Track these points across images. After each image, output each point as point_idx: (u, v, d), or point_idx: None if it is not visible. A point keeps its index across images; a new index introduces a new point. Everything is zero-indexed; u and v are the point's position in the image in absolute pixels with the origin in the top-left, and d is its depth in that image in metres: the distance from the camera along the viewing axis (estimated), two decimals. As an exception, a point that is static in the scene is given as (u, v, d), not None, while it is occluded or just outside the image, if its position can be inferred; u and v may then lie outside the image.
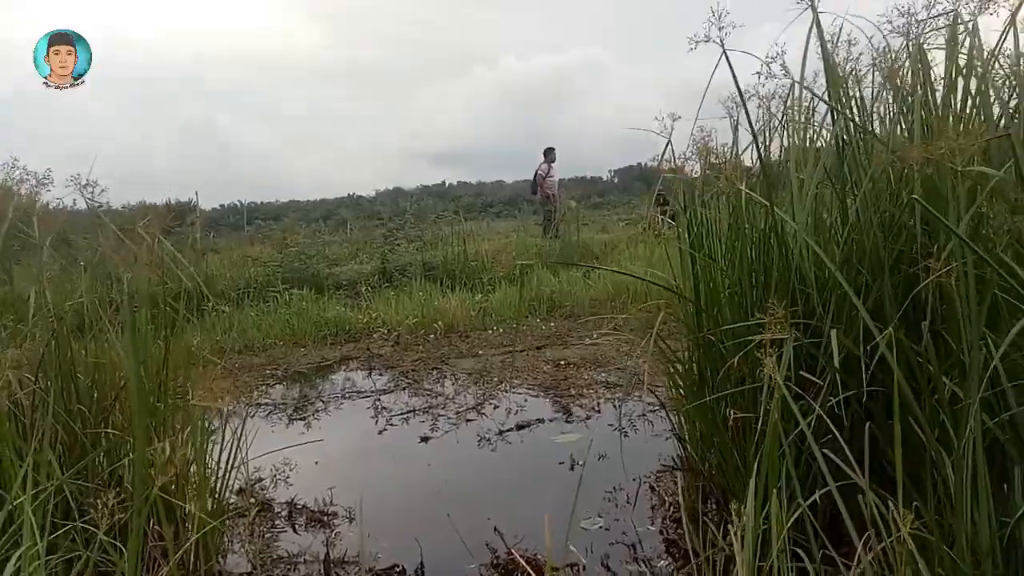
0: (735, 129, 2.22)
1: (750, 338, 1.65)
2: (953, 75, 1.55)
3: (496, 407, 3.94)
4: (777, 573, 1.31)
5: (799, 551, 1.37)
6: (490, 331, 6.18)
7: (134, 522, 1.44)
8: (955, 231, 1.18)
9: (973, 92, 1.52)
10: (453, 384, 4.55)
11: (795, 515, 1.37)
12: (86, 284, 2.25)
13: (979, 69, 1.54)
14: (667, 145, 2.20)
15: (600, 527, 2.39)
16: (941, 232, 1.48)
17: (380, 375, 5.00)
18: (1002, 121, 1.62)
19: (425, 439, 3.49)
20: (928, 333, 1.40)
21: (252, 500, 2.71)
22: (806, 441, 1.59)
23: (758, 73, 1.73)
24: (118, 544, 1.58)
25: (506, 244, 9.29)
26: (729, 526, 1.44)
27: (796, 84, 1.72)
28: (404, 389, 4.50)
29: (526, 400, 4.04)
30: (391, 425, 3.79)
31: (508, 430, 3.51)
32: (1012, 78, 1.56)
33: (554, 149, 12.23)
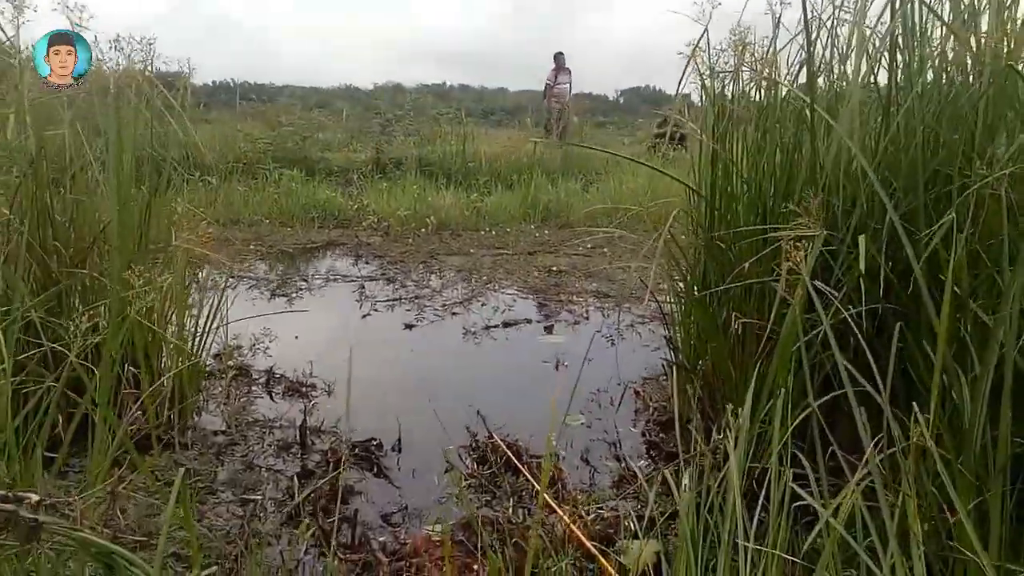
0: (776, 25, 2.07)
1: (771, 236, 1.57)
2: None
3: (484, 304, 3.88)
4: (773, 474, 1.27)
5: (800, 455, 1.33)
6: (482, 232, 6.07)
7: (109, 344, 1.36)
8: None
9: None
10: (441, 279, 4.48)
11: (802, 415, 1.32)
12: (69, 117, 2.10)
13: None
14: (704, 33, 2.05)
15: (582, 423, 2.38)
16: (996, 141, 1.38)
17: (367, 263, 4.91)
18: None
19: (410, 326, 3.44)
20: (964, 247, 1.32)
21: (230, 364, 2.66)
22: (812, 351, 1.55)
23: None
24: (90, 366, 1.52)
25: (507, 148, 9.03)
26: (727, 430, 1.39)
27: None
28: (391, 279, 4.43)
29: (515, 300, 3.98)
30: (375, 310, 3.73)
31: (494, 326, 3.46)
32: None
33: (563, 54, 11.77)
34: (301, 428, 2.19)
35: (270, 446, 2.16)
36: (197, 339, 2.32)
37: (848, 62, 1.73)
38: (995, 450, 1.15)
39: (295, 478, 1.94)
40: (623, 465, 2.10)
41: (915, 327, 1.51)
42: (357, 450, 2.11)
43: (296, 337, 3.16)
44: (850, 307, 1.52)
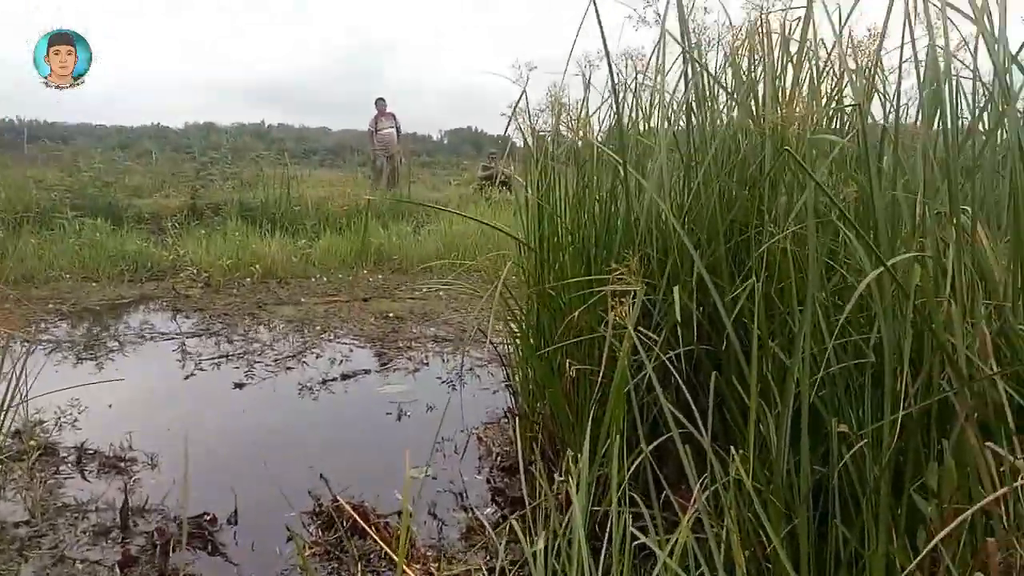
0: (587, 87, 2.24)
1: (596, 290, 1.68)
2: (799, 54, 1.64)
3: (319, 356, 3.76)
4: (614, 517, 1.34)
5: (635, 496, 1.41)
6: (313, 279, 5.89)
7: None
8: (816, 180, 1.25)
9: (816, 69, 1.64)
10: (271, 331, 4.28)
11: (637, 460, 1.41)
12: None
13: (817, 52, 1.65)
14: (522, 95, 2.17)
15: (428, 475, 2.36)
16: (779, 197, 1.58)
17: (187, 318, 4.59)
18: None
19: (240, 385, 3.25)
20: (760, 294, 1.49)
21: (32, 443, 2.37)
22: (639, 393, 1.66)
23: (629, 17, 1.73)
24: None
25: (332, 192, 8.87)
26: (568, 475, 1.46)
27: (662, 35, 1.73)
28: (216, 334, 4.16)
29: (352, 350, 3.89)
30: (200, 370, 3.48)
31: (332, 379, 3.36)
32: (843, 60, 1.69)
33: (384, 100, 11.79)
34: (122, 509, 1.99)
35: (85, 533, 1.94)
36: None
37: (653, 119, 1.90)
38: (799, 478, 1.29)
39: (116, 567, 1.76)
40: (471, 515, 2.11)
41: (725, 366, 1.68)
42: (188, 527, 1.95)
43: (110, 406, 2.87)
44: (669, 349, 1.66)
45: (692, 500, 1.20)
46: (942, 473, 1.06)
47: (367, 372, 3.50)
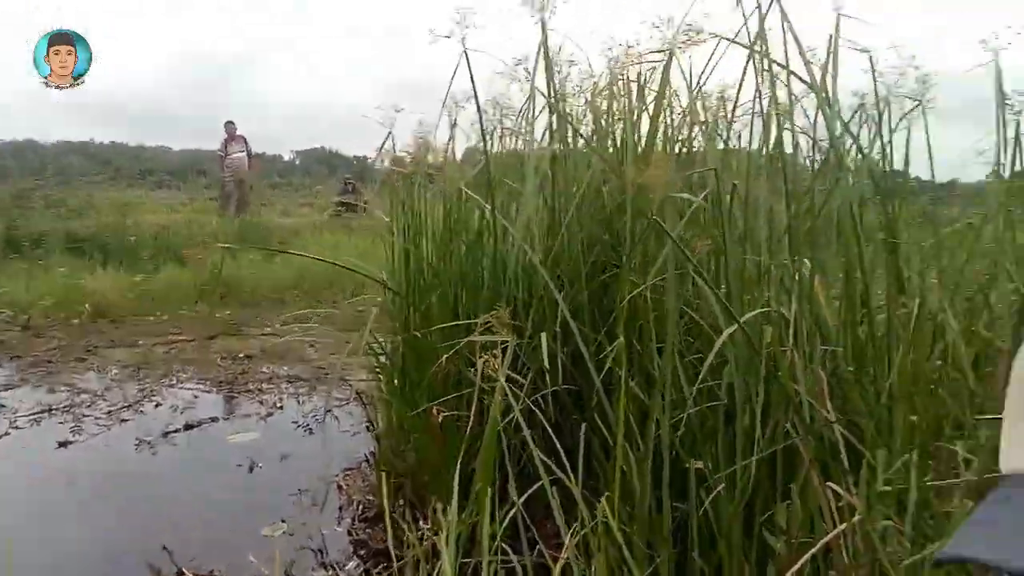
0: (453, 126, 2.25)
1: (467, 339, 1.67)
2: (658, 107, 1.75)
3: (159, 405, 3.46)
4: (485, 569, 1.32)
5: (505, 546, 1.40)
6: (152, 317, 5.45)
7: None
8: (675, 240, 1.31)
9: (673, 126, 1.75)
10: (103, 379, 3.89)
11: (511, 513, 1.40)
12: None
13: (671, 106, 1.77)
14: (388, 135, 2.14)
15: (284, 532, 2.22)
16: (636, 250, 1.65)
17: (0, 368, 4.08)
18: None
19: (64, 444, 2.91)
20: (622, 340, 1.55)
21: None
22: (508, 434, 1.67)
23: (500, 73, 1.76)
24: None
25: (174, 219, 8.32)
26: (437, 527, 1.42)
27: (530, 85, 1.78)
28: (36, 385, 3.72)
29: (196, 396, 3.62)
30: (16, 428, 3.10)
31: (174, 430, 3.09)
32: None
33: (233, 123, 11.28)
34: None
35: None
36: None
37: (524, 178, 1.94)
38: (660, 517, 1.34)
39: None
40: (331, 573, 2.00)
41: (588, 407, 1.72)
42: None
43: None
44: (535, 393, 1.68)
45: (563, 548, 1.21)
46: (790, 513, 1.14)
47: (214, 420, 3.26)
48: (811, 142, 1.49)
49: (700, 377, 1.27)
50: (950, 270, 1.56)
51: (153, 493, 2.56)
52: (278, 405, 3.52)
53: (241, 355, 4.43)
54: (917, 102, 1.61)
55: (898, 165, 1.63)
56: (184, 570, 1.87)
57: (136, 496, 2.52)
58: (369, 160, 2.34)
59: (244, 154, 11.20)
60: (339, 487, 2.56)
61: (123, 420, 3.22)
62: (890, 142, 1.61)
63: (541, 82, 1.76)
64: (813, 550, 1.05)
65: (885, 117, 1.59)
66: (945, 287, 1.48)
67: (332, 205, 12.43)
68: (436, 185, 2.21)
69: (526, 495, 1.43)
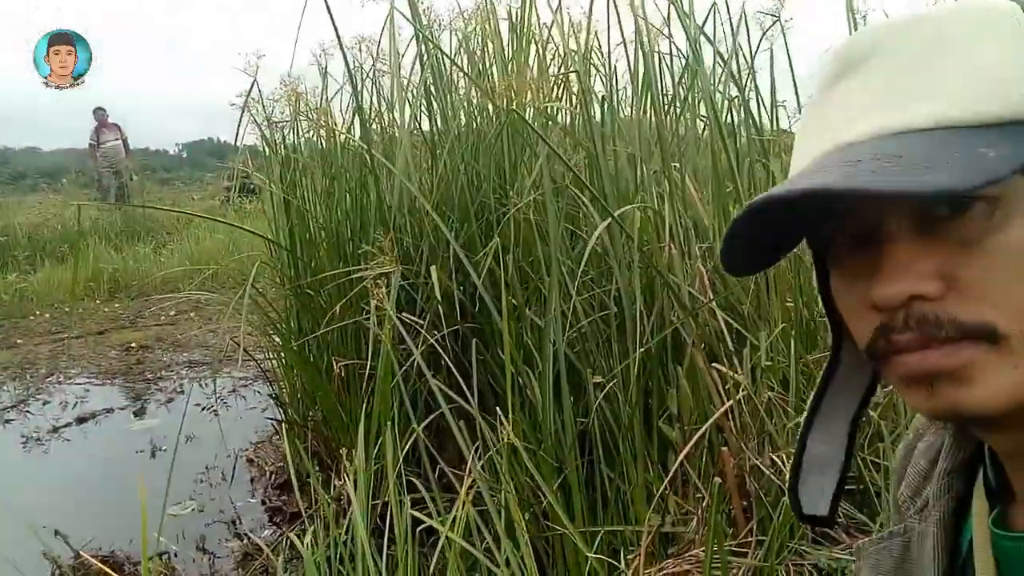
0: (324, 75, 2.17)
1: (355, 277, 1.62)
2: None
3: (47, 403, 3.24)
4: (394, 507, 1.30)
5: (415, 481, 1.39)
6: (32, 317, 5.07)
7: None
8: (549, 144, 1.30)
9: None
10: (-21, 383, 3.61)
11: (410, 440, 1.38)
12: None
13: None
14: (253, 83, 2.04)
15: (193, 509, 2.14)
16: (519, 173, 1.64)
17: None
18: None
19: (-61, 453, 2.69)
20: (513, 266, 1.54)
21: None
22: (410, 380, 1.64)
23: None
24: None
25: (48, 216, 7.75)
26: (345, 475, 1.39)
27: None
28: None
29: (87, 390, 3.40)
30: None
31: (65, 425, 2.91)
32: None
33: (103, 109, 10.46)
34: None
35: None
36: None
37: (395, 109, 1.89)
38: (564, 432, 1.35)
39: None
40: (246, 542, 1.94)
41: (490, 340, 1.71)
42: None
43: None
44: (435, 332, 1.66)
45: (467, 470, 1.20)
46: (680, 398, 1.17)
47: (109, 411, 3.08)
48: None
49: (582, 282, 1.28)
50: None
51: (44, 486, 2.41)
52: (179, 390, 3.37)
53: (134, 346, 4.20)
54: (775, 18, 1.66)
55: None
56: (81, 552, 1.77)
57: (26, 493, 2.35)
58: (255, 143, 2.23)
59: (119, 142, 10.44)
60: (249, 460, 2.48)
61: (7, 421, 3.00)
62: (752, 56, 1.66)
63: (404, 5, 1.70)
64: (704, 427, 1.08)
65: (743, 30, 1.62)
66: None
67: (222, 191, 11.84)
68: (313, 135, 2.13)
69: (426, 422, 1.42)
